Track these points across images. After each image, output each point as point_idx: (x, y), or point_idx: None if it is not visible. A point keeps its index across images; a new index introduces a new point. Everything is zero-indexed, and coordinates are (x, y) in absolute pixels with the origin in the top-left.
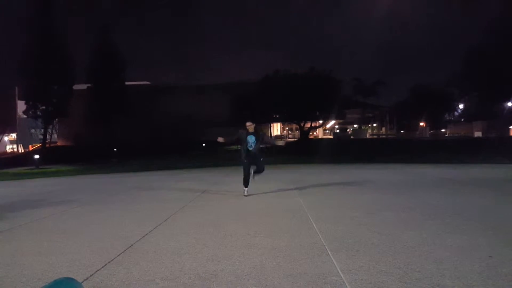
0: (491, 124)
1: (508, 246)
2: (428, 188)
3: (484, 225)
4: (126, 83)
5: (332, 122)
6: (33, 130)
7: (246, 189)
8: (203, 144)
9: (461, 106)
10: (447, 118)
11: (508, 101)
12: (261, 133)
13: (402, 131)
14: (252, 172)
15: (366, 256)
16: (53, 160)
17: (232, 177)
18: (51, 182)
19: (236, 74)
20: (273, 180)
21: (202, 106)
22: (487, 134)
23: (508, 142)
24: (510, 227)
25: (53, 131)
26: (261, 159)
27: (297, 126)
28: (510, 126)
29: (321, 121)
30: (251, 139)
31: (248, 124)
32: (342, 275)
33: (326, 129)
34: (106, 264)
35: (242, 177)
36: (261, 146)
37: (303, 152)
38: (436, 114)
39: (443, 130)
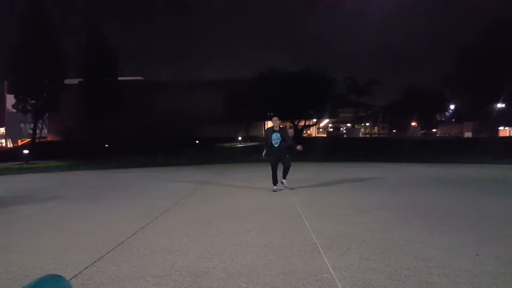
0: (481, 124)
1: (494, 244)
2: (418, 187)
3: (472, 224)
4: (119, 78)
5: (326, 121)
6: (22, 125)
7: (275, 187)
8: (197, 141)
9: (452, 106)
10: (438, 119)
11: (498, 102)
12: (285, 133)
13: (394, 131)
14: (282, 180)
15: (356, 254)
16: (43, 155)
17: (225, 175)
18: (41, 178)
19: (231, 72)
20: (266, 178)
21: (196, 103)
22: (477, 134)
23: (497, 143)
24: (496, 225)
25: (43, 126)
26: (287, 156)
27: (291, 125)
28: (499, 127)
29: (315, 120)
30: (276, 136)
31: (274, 119)
32: (333, 273)
33: (319, 127)
34: (95, 261)
35: (271, 174)
36: (284, 146)
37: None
38: (428, 115)
39: (434, 130)
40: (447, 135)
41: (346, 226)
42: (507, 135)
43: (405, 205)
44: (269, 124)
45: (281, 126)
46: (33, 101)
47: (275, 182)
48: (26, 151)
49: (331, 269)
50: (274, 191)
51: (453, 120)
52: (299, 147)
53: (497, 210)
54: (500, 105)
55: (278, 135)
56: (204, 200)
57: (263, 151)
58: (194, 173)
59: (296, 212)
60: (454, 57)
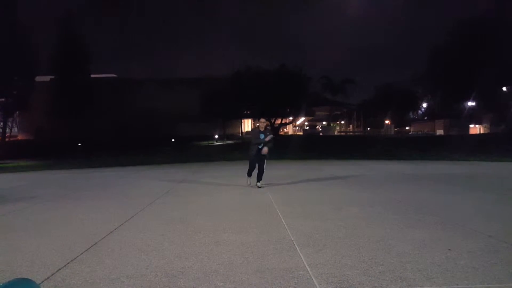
0: (452, 122)
1: (465, 239)
2: (392, 183)
3: (444, 220)
4: (92, 75)
5: (302, 119)
6: None
7: (249, 178)
8: (172, 140)
9: (424, 105)
10: (411, 116)
11: (468, 100)
12: (268, 135)
13: (368, 129)
14: (257, 183)
15: (332, 251)
16: (13, 154)
17: (201, 173)
18: (11, 178)
19: (207, 69)
20: (242, 176)
21: (172, 101)
22: (449, 132)
23: (468, 140)
24: (468, 221)
25: (14, 124)
26: (265, 160)
27: (268, 123)
28: (470, 124)
29: (291, 118)
30: (262, 136)
31: (261, 120)
32: (309, 270)
33: (296, 125)
34: (68, 263)
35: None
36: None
37: (272, 148)
38: (401, 113)
39: (407, 127)
40: (419, 132)
41: (322, 223)
42: (477, 132)
43: (379, 201)
44: (246, 122)
45: (267, 127)
46: (2, 99)
47: (250, 175)
48: None
49: (307, 266)
50: (249, 184)
51: (426, 118)
52: (264, 151)
53: (468, 205)
54: (470, 103)
55: (263, 136)
56: (180, 199)
57: (249, 150)
58: (170, 171)
59: (272, 209)
60: (426, 56)
